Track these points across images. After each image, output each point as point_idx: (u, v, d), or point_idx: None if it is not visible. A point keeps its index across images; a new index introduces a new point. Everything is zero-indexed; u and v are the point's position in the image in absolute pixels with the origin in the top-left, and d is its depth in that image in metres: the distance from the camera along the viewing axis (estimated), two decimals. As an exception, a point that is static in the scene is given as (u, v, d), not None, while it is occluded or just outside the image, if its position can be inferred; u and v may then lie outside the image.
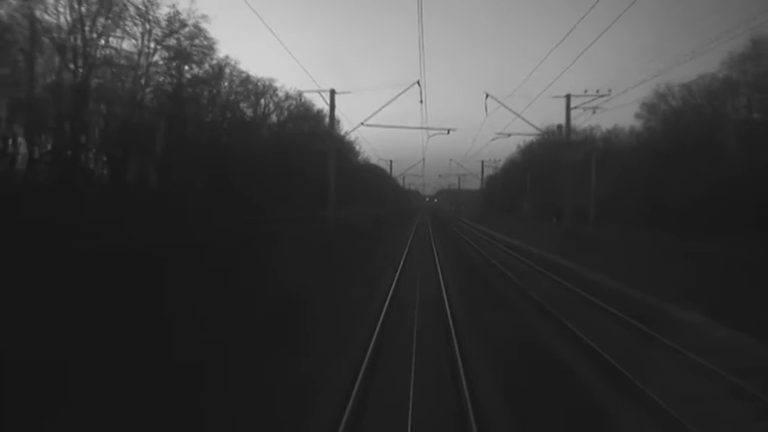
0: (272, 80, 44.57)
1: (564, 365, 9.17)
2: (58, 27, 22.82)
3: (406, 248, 27.76)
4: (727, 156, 31.58)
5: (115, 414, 6.54)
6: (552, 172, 49.78)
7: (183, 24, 28.52)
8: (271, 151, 43.62)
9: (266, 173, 39.96)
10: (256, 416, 6.82)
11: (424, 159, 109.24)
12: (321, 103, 60.29)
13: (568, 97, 30.64)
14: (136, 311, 10.54)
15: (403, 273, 19.07)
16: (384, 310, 12.39)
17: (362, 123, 30.46)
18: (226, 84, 40.04)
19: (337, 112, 45.74)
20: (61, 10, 22.62)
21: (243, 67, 55.31)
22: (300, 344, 10.05)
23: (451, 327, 10.88)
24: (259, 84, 44.42)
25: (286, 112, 51.36)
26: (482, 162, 73.21)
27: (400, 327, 11.33)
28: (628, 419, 7.01)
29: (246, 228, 26.53)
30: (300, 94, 48.33)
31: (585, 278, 18.64)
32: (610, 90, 31.60)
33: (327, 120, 32.34)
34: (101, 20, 23.67)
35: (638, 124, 49.79)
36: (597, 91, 29.03)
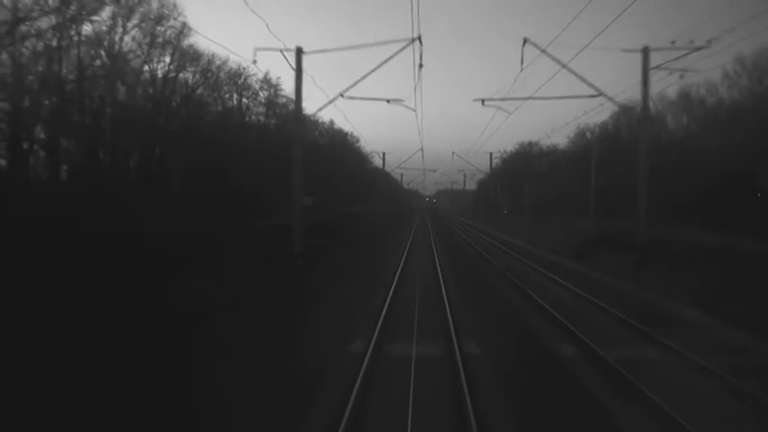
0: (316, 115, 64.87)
1: (464, 247, 32.07)
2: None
3: (417, 222, 62.42)
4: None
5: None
6: (520, 178, 71.18)
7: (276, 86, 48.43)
8: (315, 168, 64.43)
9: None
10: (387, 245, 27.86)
11: (424, 173, 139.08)
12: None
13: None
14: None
15: (419, 223, 57.34)
16: (416, 225, 43.72)
17: (399, 166, 57.51)
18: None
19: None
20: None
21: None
22: (395, 234, 35.09)
23: (430, 230, 37.29)
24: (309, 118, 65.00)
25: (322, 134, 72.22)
26: (464, 174, 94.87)
27: (422, 225, 44.25)
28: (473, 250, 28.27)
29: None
30: (332, 121, 69.39)
31: (487, 231, 44.72)
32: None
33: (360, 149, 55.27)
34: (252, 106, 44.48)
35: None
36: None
